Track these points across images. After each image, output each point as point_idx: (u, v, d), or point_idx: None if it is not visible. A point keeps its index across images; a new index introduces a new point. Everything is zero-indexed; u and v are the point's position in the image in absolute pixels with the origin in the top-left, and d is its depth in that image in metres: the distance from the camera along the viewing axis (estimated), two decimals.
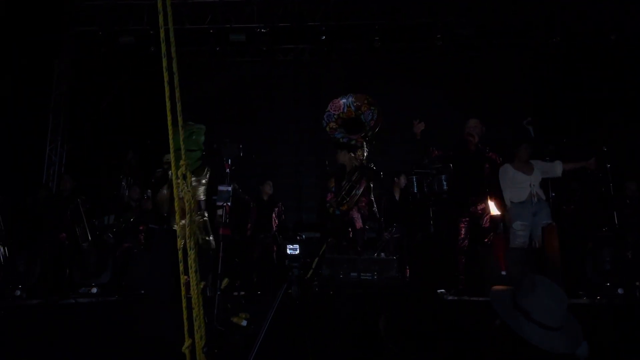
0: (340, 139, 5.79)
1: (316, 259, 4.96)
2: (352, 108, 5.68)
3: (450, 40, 9.69)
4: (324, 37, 9.71)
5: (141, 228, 6.23)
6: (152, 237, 5.34)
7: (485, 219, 5.06)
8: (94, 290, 4.21)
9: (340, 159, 5.74)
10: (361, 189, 5.61)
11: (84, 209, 5.62)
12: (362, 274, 4.43)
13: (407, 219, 7.25)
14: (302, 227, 7.98)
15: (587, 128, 8.31)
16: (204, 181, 5.42)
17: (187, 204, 2.98)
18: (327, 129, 5.85)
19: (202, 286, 4.32)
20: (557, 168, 5.52)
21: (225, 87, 9.88)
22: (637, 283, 4.42)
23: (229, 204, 3.20)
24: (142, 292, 4.18)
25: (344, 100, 5.72)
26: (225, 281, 3.20)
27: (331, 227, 5.71)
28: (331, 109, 5.83)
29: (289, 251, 3.21)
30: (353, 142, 5.78)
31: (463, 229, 5.11)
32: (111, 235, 6.14)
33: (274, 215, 7.28)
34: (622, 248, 6.25)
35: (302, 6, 9.68)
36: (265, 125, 10.11)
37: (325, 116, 5.87)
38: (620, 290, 4.20)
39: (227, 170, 3.33)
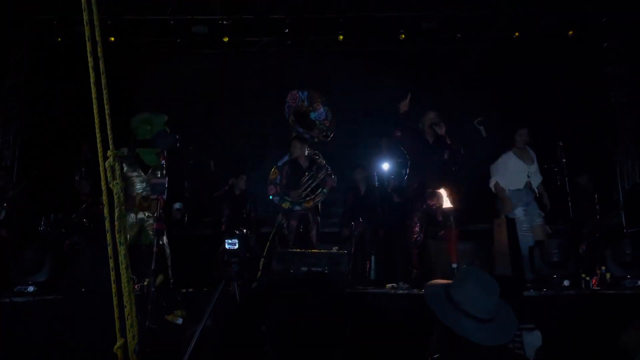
0: (303, 134, 5.71)
1: (262, 260, 4.89)
2: (305, 103, 5.62)
3: (414, 34, 9.69)
4: (287, 30, 9.60)
5: (91, 225, 6.06)
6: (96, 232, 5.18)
7: (438, 212, 5.04)
8: (31, 288, 4.04)
9: (295, 152, 5.65)
10: (327, 189, 5.58)
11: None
12: (312, 268, 4.38)
13: (371, 214, 7.23)
14: (263, 222, 7.88)
15: (545, 122, 8.42)
16: (159, 175, 5.26)
17: (115, 197, 2.88)
18: (290, 121, 5.78)
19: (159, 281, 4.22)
20: (538, 179, 5.46)
21: (187, 80, 9.68)
22: (584, 275, 4.47)
23: (164, 197, 3.09)
24: (83, 290, 4.03)
25: (300, 94, 5.66)
26: (160, 278, 3.09)
27: (282, 224, 5.63)
28: (290, 100, 5.76)
29: (227, 246, 3.11)
30: (316, 140, 5.72)
31: (418, 223, 5.09)
32: (63, 230, 5.93)
33: (246, 209, 7.21)
34: (576, 241, 6.35)
35: None
36: (229, 118, 9.96)
37: (285, 107, 5.80)
38: (566, 282, 4.24)
39: (163, 162, 3.21)
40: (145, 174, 5.12)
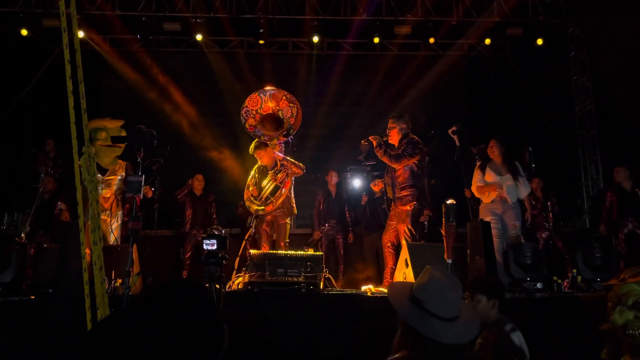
0: (261, 137, 5.60)
1: (237, 259, 4.82)
2: (271, 104, 5.52)
3: (388, 39, 9.77)
4: (261, 30, 9.53)
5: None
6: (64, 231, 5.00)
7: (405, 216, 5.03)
8: None
9: (260, 156, 5.57)
10: (286, 188, 5.48)
11: None
12: (288, 270, 4.33)
13: (341, 217, 7.22)
14: (235, 224, 7.78)
15: (515, 129, 8.59)
16: (119, 177, 5.41)
17: (90, 195, 2.77)
18: (247, 125, 5.64)
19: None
20: (523, 190, 5.49)
21: (158, 78, 9.49)
22: (555, 277, 4.57)
23: (140, 195, 2.99)
24: (50, 290, 3.87)
25: (262, 95, 5.55)
26: (135, 278, 2.98)
27: (255, 225, 5.54)
28: (249, 104, 5.63)
29: (205, 246, 3.04)
30: (275, 141, 5.60)
31: (392, 225, 5.10)
32: (23, 235, 5.68)
33: (208, 210, 7.08)
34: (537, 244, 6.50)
35: None
36: (200, 117, 9.81)
37: (243, 112, 5.65)
38: (539, 285, 4.33)
39: (139, 159, 3.10)
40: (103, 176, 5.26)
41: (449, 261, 3.75)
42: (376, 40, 9.58)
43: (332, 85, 9.87)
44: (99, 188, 5.24)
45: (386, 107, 9.05)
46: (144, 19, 9.23)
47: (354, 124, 9.63)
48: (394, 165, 5.08)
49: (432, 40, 9.60)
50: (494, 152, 5.52)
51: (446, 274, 1.81)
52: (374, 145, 5.15)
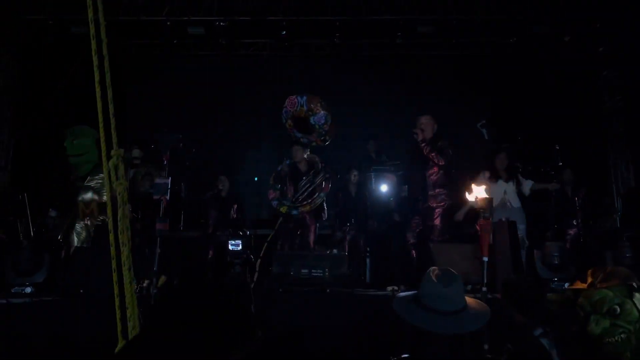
0: (300, 138, 5.70)
1: (258, 260, 4.86)
2: (305, 108, 5.58)
3: (411, 38, 9.71)
4: (284, 32, 9.59)
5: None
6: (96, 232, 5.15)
7: (436, 215, 5.03)
8: (28, 289, 3.98)
9: (296, 156, 5.64)
10: (325, 192, 5.55)
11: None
12: (313, 270, 4.36)
13: (363, 216, 7.15)
14: (260, 225, 7.83)
15: (542, 127, 8.46)
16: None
17: (119, 197, 2.84)
18: (287, 125, 5.76)
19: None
20: (526, 186, 5.68)
21: (183, 81, 9.65)
22: None
23: (167, 197, 3.05)
24: (81, 291, 3.98)
25: (299, 99, 5.63)
26: (162, 279, 3.06)
27: (282, 226, 5.59)
28: (288, 105, 5.72)
29: (230, 247, 3.09)
30: (314, 145, 5.69)
31: (415, 225, 5.09)
32: (60, 237, 5.85)
33: (232, 212, 7.14)
34: (576, 243, 6.39)
35: (262, 0, 9.55)
36: (225, 120, 9.94)
37: (283, 112, 5.77)
38: (566, 285, 4.26)
39: (165, 161, 3.17)
40: (84, 181, 5.50)
41: (485, 259, 3.60)
42: (398, 40, 9.54)
43: (354, 85, 9.88)
44: (88, 194, 5.53)
45: (408, 107, 9.00)
46: (168, 23, 9.39)
47: (375, 123, 9.61)
48: (441, 163, 5.15)
49: (455, 38, 9.53)
50: (503, 162, 5.62)
51: (445, 270, 1.85)
52: (420, 137, 5.21)
